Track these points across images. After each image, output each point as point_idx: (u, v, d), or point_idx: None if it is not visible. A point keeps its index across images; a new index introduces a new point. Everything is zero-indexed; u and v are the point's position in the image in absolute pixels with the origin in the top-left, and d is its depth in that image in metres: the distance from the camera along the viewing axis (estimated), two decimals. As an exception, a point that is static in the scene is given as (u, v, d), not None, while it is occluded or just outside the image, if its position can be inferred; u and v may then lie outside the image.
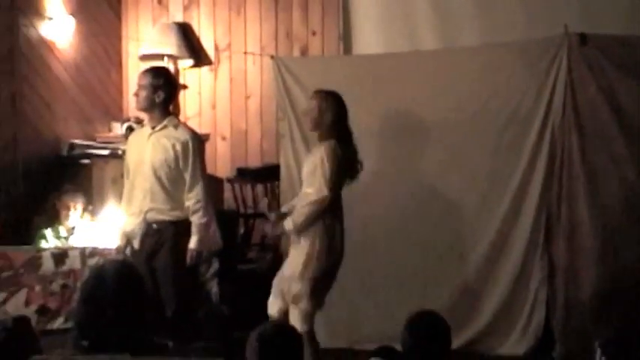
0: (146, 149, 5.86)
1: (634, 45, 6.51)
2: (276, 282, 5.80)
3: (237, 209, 7.86)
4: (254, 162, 8.23)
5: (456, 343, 6.02)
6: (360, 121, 6.81)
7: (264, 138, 8.32)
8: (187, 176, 5.84)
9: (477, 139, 6.70)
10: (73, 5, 7.57)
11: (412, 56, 7.30)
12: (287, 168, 6.97)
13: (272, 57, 7.22)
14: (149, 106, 5.89)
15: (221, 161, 8.20)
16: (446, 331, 4.03)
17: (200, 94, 8.41)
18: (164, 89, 5.88)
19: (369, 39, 7.96)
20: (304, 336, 5.20)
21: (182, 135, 5.87)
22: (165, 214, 5.84)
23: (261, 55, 8.15)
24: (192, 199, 5.83)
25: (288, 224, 5.61)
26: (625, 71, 6.45)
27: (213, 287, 6.78)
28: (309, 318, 5.63)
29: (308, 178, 5.69)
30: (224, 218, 7.10)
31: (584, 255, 6.47)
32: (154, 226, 5.85)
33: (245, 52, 8.22)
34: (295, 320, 5.56)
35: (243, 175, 7.97)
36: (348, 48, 8.06)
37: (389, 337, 4.98)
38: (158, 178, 5.81)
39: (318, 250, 5.58)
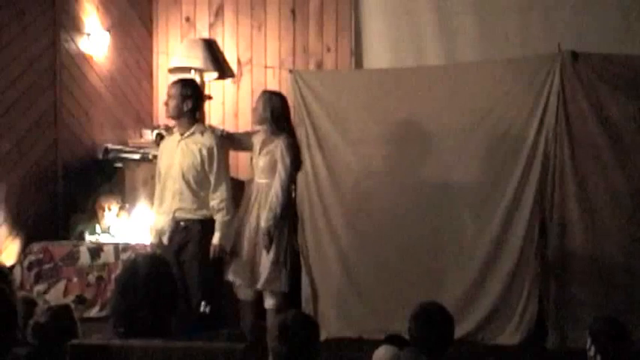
0: (176, 154, 5.89)
1: (622, 63, 6.53)
2: (246, 269, 5.98)
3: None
4: (273, 166, 8.23)
5: (457, 333, 5.97)
6: (369, 129, 6.86)
7: (283, 144, 8.32)
8: (212, 178, 5.86)
9: (477, 147, 6.70)
10: (108, 22, 7.61)
11: (418, 71, 7.30)
12: (303, 172, 6.95)
13: (290, 70, 7.24)
14: (178, 114, 5.92)
15: (243, 165, 8.19)
16: (449, 321, 4.04)
17: (224, 104, 8.43)
18: (192, 99, 5.91)
19: (378, 55, 7.98)
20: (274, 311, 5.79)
21: (208, 141, 5.89)
22: (192, 213, 5.86)
23: (280, 68, 8.17)
24: (217, 198, 5.85)
25: (266, 222, 5.92)
26: (613, 86, 6.45)
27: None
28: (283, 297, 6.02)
29: (267, 171, 6.01)
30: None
31: (574, 253, 6.47)
32: (182, 223, 5.87)
33: (265, 66, 8.24)
34: (272, 300, 5.96)
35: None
36: (359, 63, 8.08)
37: (396, 328, 4.98)
38: (186, 181, 5.83)
39: (288, 237, 6.00)
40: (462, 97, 6.76)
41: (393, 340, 4.43)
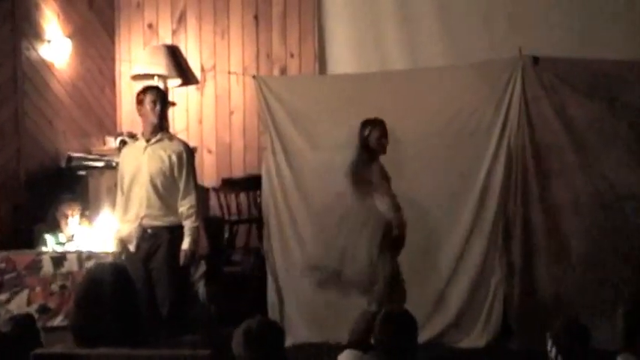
0: (142, 160, 5.87)
1: (582, 66, 6.64)
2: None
3: (223, 216, 7.88)
4: (238, 173, 8.26)
5: (424, 336, 6.08)
6: (334, 134, 6.86)
7: (247, 150, 8.35)
8: (181, 184, 5.85)
9: (441, 151, 6.75)
10: (70, 29, 7.59)
11: (382, 76, 7.35)
12: (268, 178, 7.00)
13: (254, 76, 7.26)
14: (161, 119, 5.92)
15: (207, 172, 8.22)
16: (413, 326, 4.06)
17: (188, 110, 8.44)
18: (167, 105, 5.97)
19: (342, 60, 8.02)
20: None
21: (177, 147, 5.90)
22: (159, 219, 5.84)
23: (243, 74, 8.19)
24: (186, 204, 5.84)
25: None
26: (574, 89, 6.56)
27: (201, 288, 6.79)
28: None
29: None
30: (211, 224, 7.14)
31: (538, 255, 6.55)
32: (149, 231, 5.85)
33: (229, 72, 8.25)
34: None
35: (228, 184, 8.00)
36: (323, 68, 8.12)
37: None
38: (154, 186, 5.81)
39: None
40: (426, 102, 6.81)
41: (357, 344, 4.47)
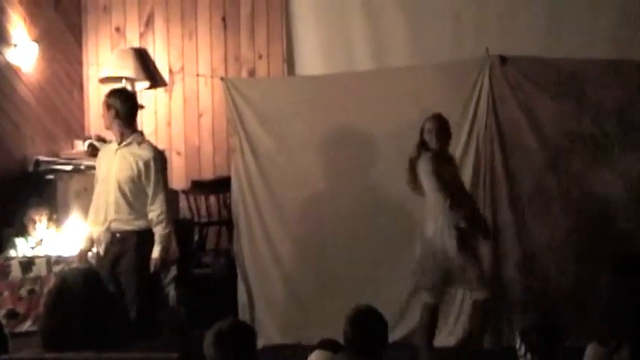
0: (113, 164, 5.85)
1: (549, 65, 6.66)
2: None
3: (192, 218, 7.86)
4: (207, 175, 8.24)
5: (395, 336, 6.08)
6: (302, 136, 6.90)
7: (216, 152, 8.34)
8: (150, 191, 5.81)
9: (410, 151, 6.75)
10: (36, 33, 7.53)
11: (350, 76, 7.35)
12: (238, 180, 6.98)
13: (222, 78, 7.24)
14: (109, 124, 5.90)
15: (176, 174, 8.17)
16: (383, 326, 4.07)
17: (156, 113, 8.40)
18: (119, 107, 5.88)
19: (310, 61, 8.02)
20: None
21: (145, 153, 5.85)
22: (128, 224, 5.81)
23: (212, 77, 8.17)
24: (156, 211, 5.80)
25: None
26: (541, 88, 6.58)
27: (171, 291, 6.76)
28: None
29: None
30: (180, 227, 7.10)
31: (506, 254, 6.56)
32: (118, 235, 5.82)
33: (197, 75, 8.23)
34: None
35: (197, 187, 7.98)
36: (291, 70, 8.12)
37: (335, 333, 4.99)
38: (122, 193, 5.78)
39: None
40: (394, 102, 6.82)
41: (326, 344, 4.46)
